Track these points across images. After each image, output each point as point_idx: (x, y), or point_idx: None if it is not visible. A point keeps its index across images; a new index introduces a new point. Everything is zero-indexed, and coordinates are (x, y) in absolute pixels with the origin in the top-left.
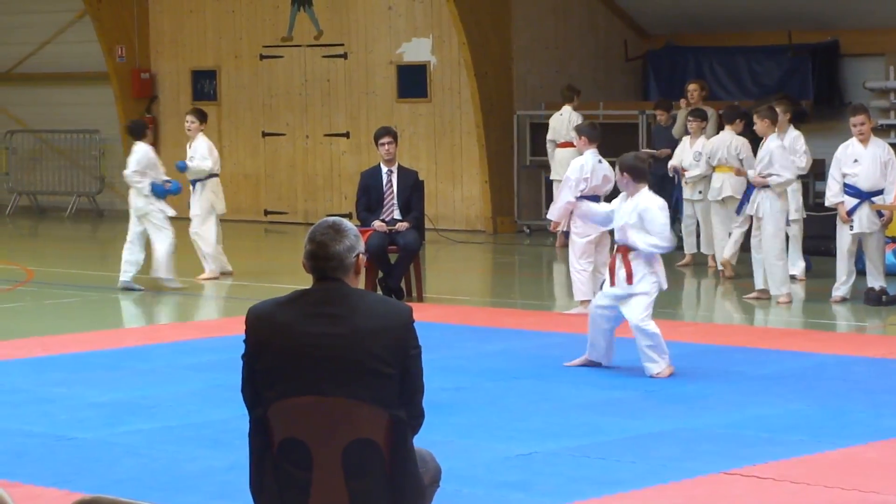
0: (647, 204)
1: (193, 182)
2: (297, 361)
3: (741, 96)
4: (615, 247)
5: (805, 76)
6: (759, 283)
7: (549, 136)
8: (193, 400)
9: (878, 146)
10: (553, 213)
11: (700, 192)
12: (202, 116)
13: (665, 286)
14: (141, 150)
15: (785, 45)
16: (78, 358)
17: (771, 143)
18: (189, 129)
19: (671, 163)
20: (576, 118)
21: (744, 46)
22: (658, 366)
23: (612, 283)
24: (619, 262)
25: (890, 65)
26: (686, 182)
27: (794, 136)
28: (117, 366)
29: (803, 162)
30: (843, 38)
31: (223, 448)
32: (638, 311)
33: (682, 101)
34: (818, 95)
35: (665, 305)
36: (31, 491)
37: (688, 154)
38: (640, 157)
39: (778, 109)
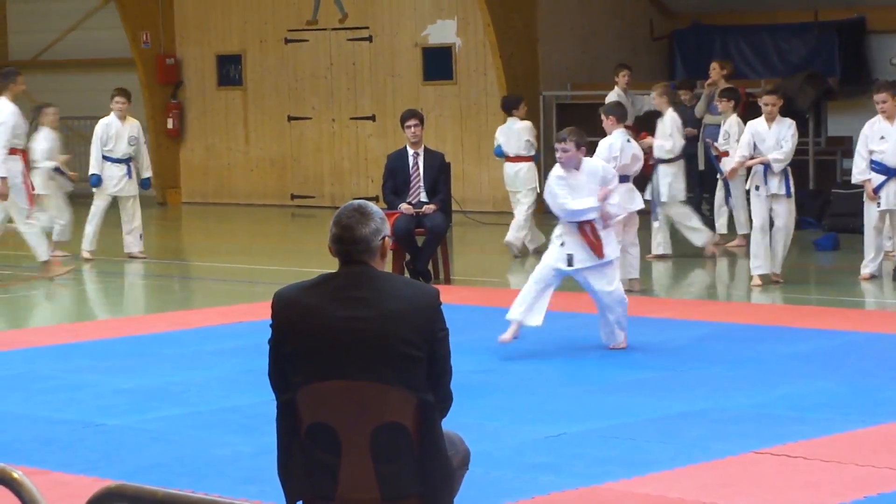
0: (596, 165)
1: (129, 161)
2: (324, 345)
3: (768, 74)
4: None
5: (831, 53)
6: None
7: None
8: (220, 385)
9: None
10: None
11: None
12: (129, 95)
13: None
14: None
15: (811, 23)
16: (105, 344)
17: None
18: (120, 110)
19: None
20: (613, 98)
21: (770, 24)
22: (622, 336)
23: (602, 256)
24: (592, 235)
25: None
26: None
27: (732, 120)
28: (144, 352)
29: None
30: (869, 15)
31: (251, 433)
32: (615, 281)
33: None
34: (845, 72)
35: (692, 285)
36: (59, 478)
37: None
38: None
39: (721, 98)
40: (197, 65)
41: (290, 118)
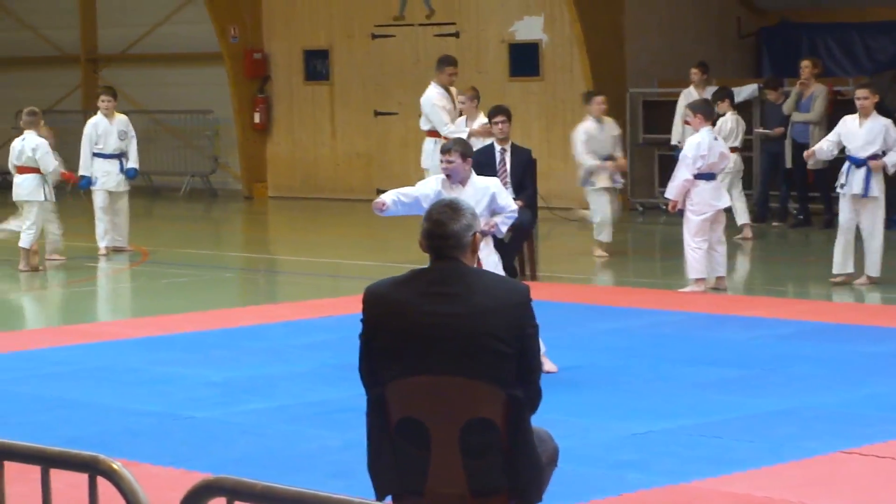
0: (487, 183)
1: (120, 157)
2: (414, 340)
3: (855, 72)
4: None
5: None
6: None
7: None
8: (309, 379)
9: None
10: (671, 192)
11: None
12: (115, 94)
13: None
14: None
15: None
16: (193, 337)
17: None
18: (107, 108)
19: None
20: (692, 96)
21: (858, 22)
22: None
23: None
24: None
25: None
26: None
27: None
28: (233, 345)
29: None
30: None
31: (339, 427)
32: None
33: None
34: None
35: (777, 284)
36: (148, 470)
37: None
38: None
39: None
40: (284, 59)
41: (376, 113)
